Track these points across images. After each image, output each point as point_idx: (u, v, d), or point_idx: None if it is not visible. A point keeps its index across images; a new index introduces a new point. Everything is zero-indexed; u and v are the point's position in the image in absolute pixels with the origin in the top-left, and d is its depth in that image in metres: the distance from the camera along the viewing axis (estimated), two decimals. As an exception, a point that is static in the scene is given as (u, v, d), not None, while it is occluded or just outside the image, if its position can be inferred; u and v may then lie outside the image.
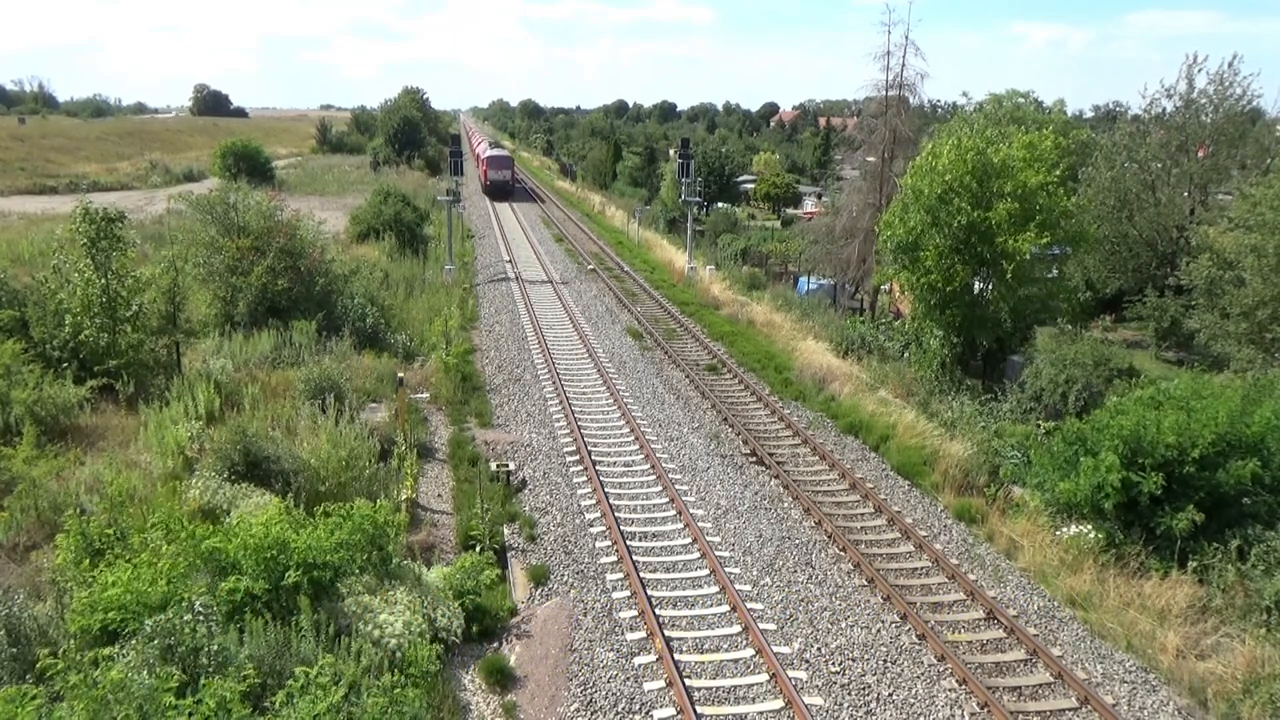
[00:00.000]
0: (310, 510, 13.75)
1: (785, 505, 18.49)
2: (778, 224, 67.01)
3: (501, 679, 12.47)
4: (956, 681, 12.68)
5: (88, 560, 12.28)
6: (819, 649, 13.36)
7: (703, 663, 12.91)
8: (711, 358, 29.38)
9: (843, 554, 16.39)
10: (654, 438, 21.72)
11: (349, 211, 51.75)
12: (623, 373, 27.28)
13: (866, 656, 13.22)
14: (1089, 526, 16.22)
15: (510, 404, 24.08)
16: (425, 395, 23.86)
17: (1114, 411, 17.03)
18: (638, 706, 11.97)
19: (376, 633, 11.69)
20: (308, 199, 59.92)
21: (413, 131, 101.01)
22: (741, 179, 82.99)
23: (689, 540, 16.55)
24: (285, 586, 11.61)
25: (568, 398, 24.14)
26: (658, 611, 13.96)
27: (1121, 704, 12.33)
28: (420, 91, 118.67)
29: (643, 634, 13.54)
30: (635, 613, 14.08)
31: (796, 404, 24.85)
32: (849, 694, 12.36)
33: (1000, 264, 24.61)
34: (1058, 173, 25.28)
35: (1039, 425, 20.98)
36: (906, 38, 36.52)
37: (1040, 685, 12.71)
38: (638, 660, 12.93)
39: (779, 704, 12.01)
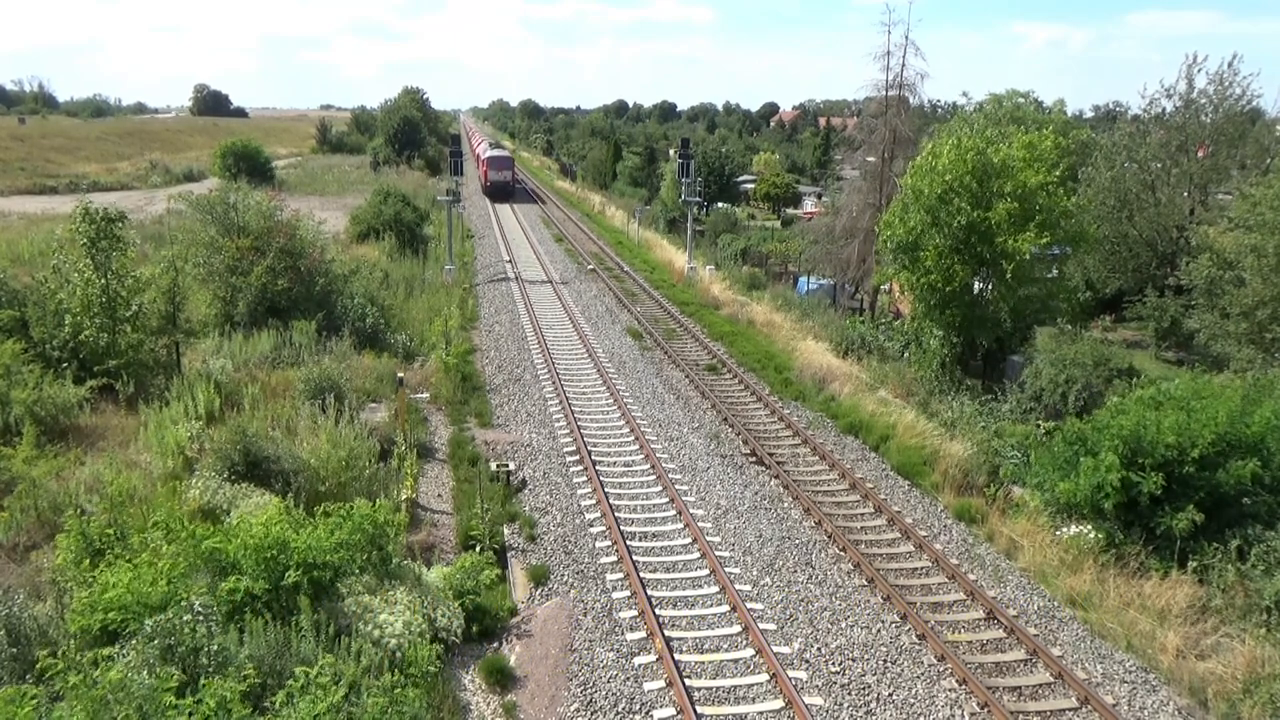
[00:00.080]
0: (310, 510, 13.75)
1: (785, 505, 18.49)
2: (778, 224, 67.02)
3: (501, 679, 12.47)
4: (956, 681, 12.68)
5: (88, 560, 12.29)
6: (819, 649, 13.36)
7: (703, 663, 12.91)
8: (711, 358, 29.38)
9: (843, 554, 16.39)
10: (654, 438, 21.72)
11: (349, 211, 51.76)
12: (623, 373, 27.28)
13: (866, 656, 13.22)
14: (1089, 526, 16.22)
15: (510, 404, 24.08)
16: (425, 395, 23.86)
17: (1114, 411, 17.03)
18: (638, 706, 11.97)
19: (376, 633, 11.69)
20: (308, 199, 59.92)
21: (413, 131, 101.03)
22: (741, 179, 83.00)
23: (689, 540, 16.55)
24: (285, 586, 11.61)
25: (568, 398, 24.14)
26: (658, 611, 13.96)
27: (1121, 704, 12.33)
28: (420, 91, 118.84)
29: (643, 634, 13.54)
30: (635, 613, 14.08)
31: (796, 404, 24.86)
32: (849, 694, 12.36)
33: (1000, 264, 24.61)
34: (1058, 173, 25.29)
35: (1039, 425, 20.97)
36: (906, 38, 36.57)
37: (1040, 685, 12.71)
38: (638, 660, 12.93)
39: (779, 704, 12.01)
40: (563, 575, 15.27)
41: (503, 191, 75.17)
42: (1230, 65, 36.46)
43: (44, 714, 8.86)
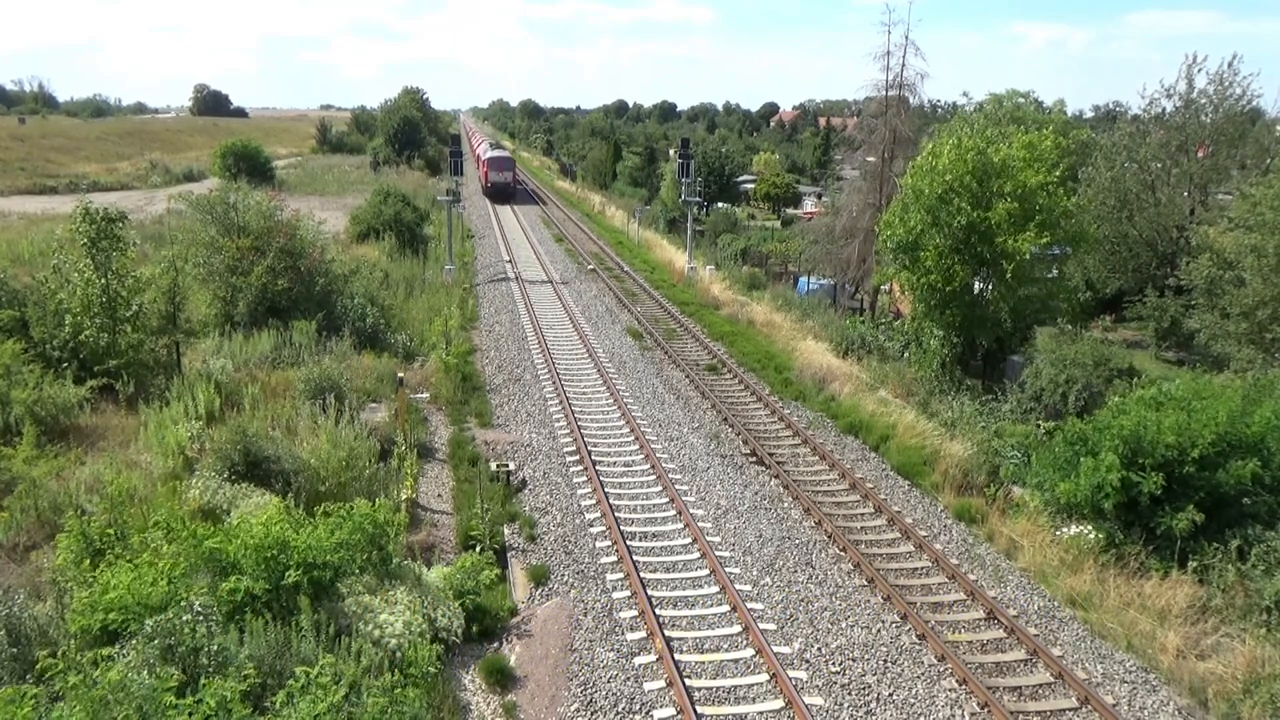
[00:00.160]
0: (310, 510, 13.76)
1: (785, 505, 18.49)
2: (778, 224, 67.01)
3: (501, 679, 12.47)
4: (957, 681, 12.68)
5: (88, 560, 12.29)
6: (819, 649, 13.36)
7: (703, 663, 12.91)
8: (711, 358, 29.38)
9: (843, 554, 16.39)
10: (654, 438, 21.72)
11: (349, 211, 51.76)
12: (623, 373, 27.29)
13: (867, 656, 13.22)
14: (1089, 526, 16.22)
15: (510, 404, 24.08)
16: (425, 395, 23.86)
17: (1114, 411, 17.03)
18: (638, 706, 11.97)
19: (377, 633, 11.70)
20: (308, 199, 59.92)
21: (413, 131, 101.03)
22: (741, 179, 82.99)
23: (689, 540, 16.55)
24: (285, 586, 11.61)
25: (568, 398, 24.14)
26: (658, 611, 13.96)
27: (1121, 704, 12.33)
28: (420, 91, 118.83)
29: (643, 634, 13.54)
30: (635, 613, 14.08)
31: (796, 404, 24.86)
32: (849, 694, 12.36)
33: (1000, 264, 24.61)
34: (1058, 173, 25.29)
35: (1039, 425, 20.97)
36: (906, 38, 36.57)
37: (1040, 685, 12.71)
38: (638, 660, 12.93)
39: (779, 704, 12.01)
40: (563, 575, 15.27)
41: (503, 193, 74.95)
42: (1230, 65, 36.54)
43: (44, 714, 8.85)
